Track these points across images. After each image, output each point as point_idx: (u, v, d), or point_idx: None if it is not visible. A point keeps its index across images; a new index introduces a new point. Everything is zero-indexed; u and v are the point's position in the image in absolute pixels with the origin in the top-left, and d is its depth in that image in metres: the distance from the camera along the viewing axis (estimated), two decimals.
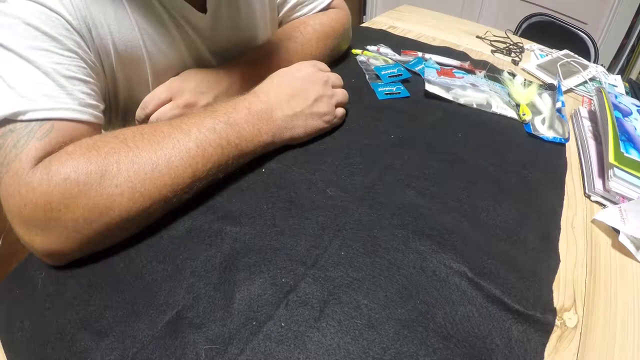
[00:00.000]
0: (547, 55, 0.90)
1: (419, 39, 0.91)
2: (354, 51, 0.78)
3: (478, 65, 0.79)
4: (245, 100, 0.46)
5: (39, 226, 0.34)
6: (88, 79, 0.42)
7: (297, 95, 0.49)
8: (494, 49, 0.92)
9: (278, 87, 0.49)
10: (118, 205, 0.35)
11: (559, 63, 0.83)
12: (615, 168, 0.51)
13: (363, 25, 0.97)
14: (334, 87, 0.54)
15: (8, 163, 0.35)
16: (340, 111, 0.54)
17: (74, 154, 0.35)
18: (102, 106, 0.44)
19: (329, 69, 0.56)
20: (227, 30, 0.58)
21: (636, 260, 0.45)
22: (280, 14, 0.69)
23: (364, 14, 2.77)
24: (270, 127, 0.46)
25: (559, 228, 0.47)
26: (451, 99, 0.66)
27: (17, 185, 0.34)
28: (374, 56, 0.77)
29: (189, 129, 0.40)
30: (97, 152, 0.36)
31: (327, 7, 0.70)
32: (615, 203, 0.51)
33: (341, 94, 0.54)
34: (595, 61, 1.41)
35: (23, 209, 0.33)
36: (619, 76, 0.85)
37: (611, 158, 0.51)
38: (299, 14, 0.69)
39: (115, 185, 0.35)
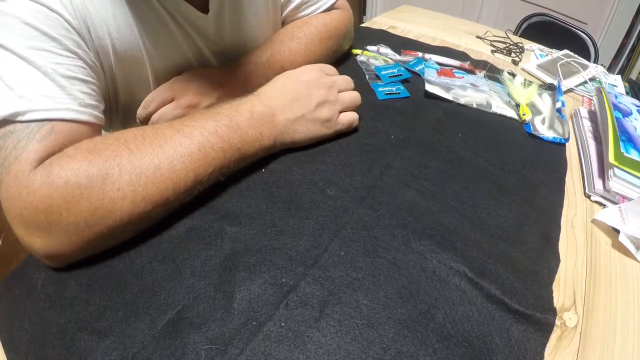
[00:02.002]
0: (547, 55, 0.90)
1: (419, 39, 0.91)
2: (354, 51, 0.78)
3: (478, 65, 0.79)
4: (248, 103, 0.46)
5: (39, 229, 0.34)
6: (88, 79, 0.41)
7: (299, 99, 0.48)
8: (494, 49, 0.92)
9: (281, 91, 0.48)
10: (120, 209, 0.35)
11: (559, 63, 0.83)
12: (615, 168, 0.51)
13: (363, 25, 0.97)
14: (341, 91, 0.52)
15: (8, 165, 0.34)
16: (347, 117, 0.52)
17: (75, 156, 0.35)
18: (102, 106, 0.44)
19: (336, 72, 0.54)
20: (230, 30, 0.57)
21: (636, 260, 0.45)
22: (284, 14, 0.68)
23: (364, 14, 2.77)
24: (272, 131, 0.46)
25: (559, 228, 0.47)
26: (451, 99, 0.66)
27: (18, 187, 0.34)
28: (374, 56, 0.77)
29: (191, 131, 0.40)
30: (99, 155, 0.35)
31: (330, 8, 0.70)
32: (615, 203, 0.51)
33: (348, 99, 0.53)
34: (595, 61, 1.41)
35: (24, 211, 0.33)
36: (619, 76, 0.85)
37: (611, 158, 0.51)
38: (302, 14, 0.69)
39: (117, 188, 0.35)
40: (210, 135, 0.40)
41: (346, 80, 0.54)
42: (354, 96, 0.54)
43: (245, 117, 0.44)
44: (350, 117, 0.53)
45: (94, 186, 0.34)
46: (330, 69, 0.54)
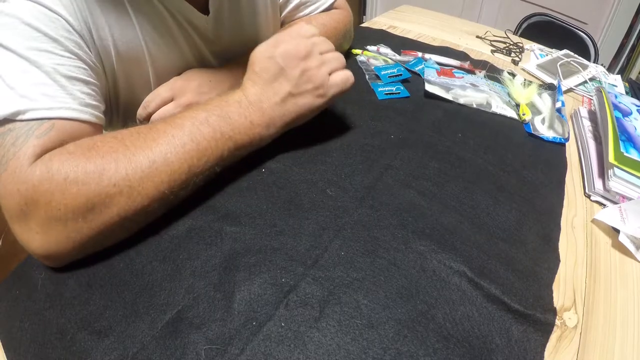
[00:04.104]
0: (547, 55, 0.90)
1: (418, 39, 0.91)
2: (354, 51, 0.78)
3: (478, 65, 0.79)
4: (236, 94, 0.45)
5: (38, 225, 0.34)
6: (89, 79, 0.42)
7: (279, 76, 0.44)
8: (493, 48, 0.92)
9: (259, 74, 0.45)
10: (116, 204, 0.35)
11: (559, 63, 0.83)
12: (615, 168, 0.51)
13: (363, 25, 0.97)
14: (323, 53, 0.47)
15: (6, 161, 0.34)
16: (339, 76, 0.47)
17: (74, 153, 0.35)
18: (102, 107, 0.44)
19: (315, 32, 0.48)
20: (230, 31, 0.57)
21: (636, 259, 0.45)
22: (283, 14, 0.68)
23: (364, 14, 2.77)
24: (262, 119, 0.44)
25: (559, 228, 0.47)
26: (451, 99, 0.66)
27: (16, 183, 0.34)
28: (374, 56, 0.77)
29: (183, 123, 0.40)
30: (97, 152, 0.36)
31: (330, 8, 0.70)
32: (615, 203, 0.51)
33: (333, 59, 0.47)
34: (595, 61, 1.41)
35: (23, 207, 0.33)
36: (619, 76, 0.85)
37: (611, 158, 0.52)
38: (301, 14, 0.69)
39: (113, 184, 0.35)
40: (202, 125, 0.40)
41: (326, 42, 0.48)
42: (337, 56, 0.48)
43: (234, 107, 0.43)
44: (343, 75, 0.48)
45: (90, 182, 0.34)
46: (308, 29, 0.48)
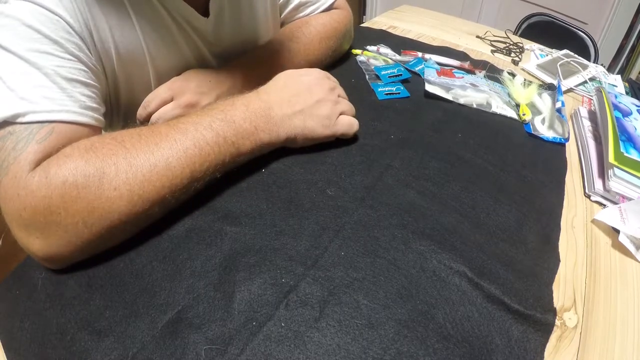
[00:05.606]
0: (547, 55, 0.90)
1: (418, 39, 0.91)
2: (354, 51, 0.78)
3: (478, 65, 0.79)
4: (245, 98, 0.46)
5: (38, 229, 0.34)
6: (89, 81, 0.41)
7: (299, 95, 0.48)
8: (494, 49, 0.92)
9: (282, 87, 0.48)
10: (117, 209, 0.35)
11: (559, 63, 0.83)
12: (615, 168, 0.51)
13: (363, 25, 0.98)
14: (340, 96, 0.52)
15: (7, 166, 0.34)
16: (346, 119, 0.51)
17: (71, 155, 0.35)
18: (102, 109, 0.44)
19: (337, 81, 0.54)
20: (230, 32, 0.58)
21: (636, 260, 0.45)
22: (283, 15, 0.69)
23: (364, 14, 2.77)
24: (267, 125, 0.45)
25: (559, 228, 0.47)
26: (451, 99, 0.66)
27: (16, 188, 0.33)
28: (374, 56, 0.77)
29: (186, 127, 0.40)
30: (95, 154, 0.35)
31: (329, 8, 0.70)
32: (615, 203, 0.51)
33: (346, 104, 0.52)
34: (595, 61, 1.41)
35: (23, 212, 0.33)
36: (619, 76, 0.85)
37: (611, 158, 0.52)
38: (301, 14, 0.69)
39: (113, 188, 0.35)
40: (205, 130, 0.40)
41: (343, 91, 0.54)
42: (351, 105, 0.53)
43: (240, 111, 0.43)
44: (350, 120, 0.52)
45: (91, 186, 0.34)
46: (332, 76, 0.54)
